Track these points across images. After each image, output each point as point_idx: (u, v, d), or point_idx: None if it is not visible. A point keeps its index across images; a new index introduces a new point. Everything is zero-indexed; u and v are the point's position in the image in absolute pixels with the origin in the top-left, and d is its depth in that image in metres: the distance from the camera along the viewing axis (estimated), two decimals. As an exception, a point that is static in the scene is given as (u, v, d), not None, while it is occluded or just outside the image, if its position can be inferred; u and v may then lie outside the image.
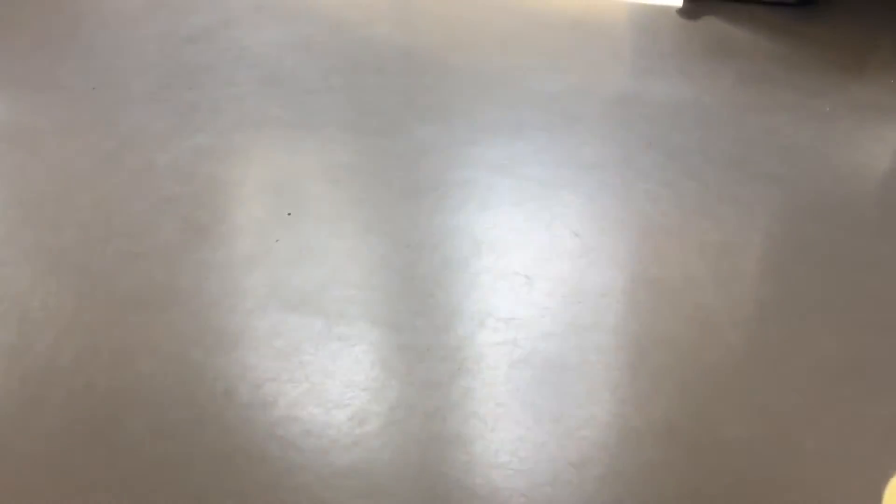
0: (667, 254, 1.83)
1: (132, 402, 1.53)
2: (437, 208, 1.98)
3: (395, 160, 2.14)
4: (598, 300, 1.72)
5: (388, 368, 1.59)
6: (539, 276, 1.78)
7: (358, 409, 1.52)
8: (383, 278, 1.79)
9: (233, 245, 1.89)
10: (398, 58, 2.60)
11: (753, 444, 1.43)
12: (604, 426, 1.48)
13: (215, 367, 1.60)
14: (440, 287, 1.76)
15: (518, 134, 2.22)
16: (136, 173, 2.12)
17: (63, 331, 1.68)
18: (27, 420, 1.51)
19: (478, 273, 1.80)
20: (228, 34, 2.73)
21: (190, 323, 1.69)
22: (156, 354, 1.62)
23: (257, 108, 2.36)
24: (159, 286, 1.78)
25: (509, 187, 2.04)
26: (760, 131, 2.21)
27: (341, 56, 2.61)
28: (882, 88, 2.37)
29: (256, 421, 1.50)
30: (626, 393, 1.53)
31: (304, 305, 1.73)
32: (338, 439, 1.47)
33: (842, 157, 2.11)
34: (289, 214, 1.97)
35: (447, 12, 2.85)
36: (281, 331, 1.67)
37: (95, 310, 1.73)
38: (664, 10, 2.80)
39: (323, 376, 1.58)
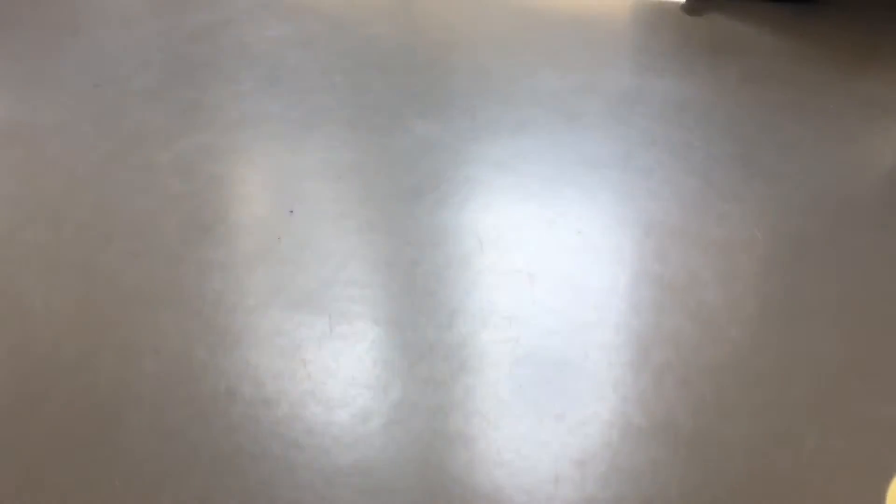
0: (669, 251, 1.83)
1: (134, 400, 1.53)
2: (439, 206, 1.98)
3: (396, 158, 2.14)
4: (600, 298, 1.72)
5: (391, 367, 1.59)
6: (541, 274, 1.78)
7: (360, 407, 1.52)
8: (385, 276, 1.79)
9: (235, 243, 1.89)
10: (400, 55, 2.60)
11: (755, 443, 1.43)
12: (606, 424, 1.48)
13: (218, 365, 1.60)
14: (442, 285, 1.76)
15: (520, 131, 2.22)
16: (138, 171, 2.12)
17: (65, 330, 1.68)
18: (29, 419, 1.51)
19: (480, 271, 1.80)
20: (230, 32, 2.73)
21: (192, 322, 1.69)
22: (158, 353, 1.62)
23: (259, 106, 2.36)
24: (161, 285, 1.78)
25: (511, 185, 2.03)
26: (763, 128, 2.20)
27: (343, 54, 2.61)
28: (885, 86, 2.36)
29: (259, 419, 1.50)
30: (628, 391, 1.53)
31: (307, 304, 1.73)
32: (340, 438, 1.47)
33: (845, 155, 2.11)
34: (291, 212, 1.97)
35: (448, 10, 2.85)
36: (283, 329, 1.67)
37: (97, 308, 1.73)
38: (667, 7, 2.79)
39: (325, 375, 1.58)
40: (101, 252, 1.87)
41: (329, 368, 1.59)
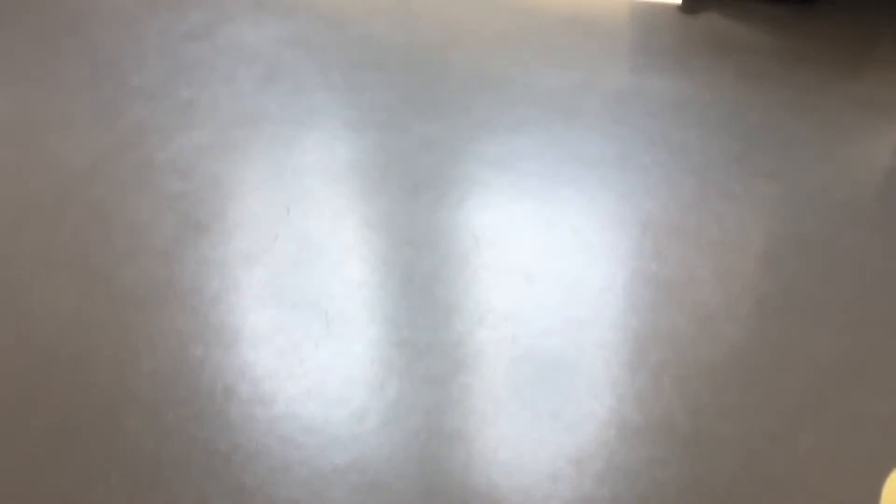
0: (666, 250, 1.83)
1: (131, 398, 1.53)
2: (437, 205, 1.98)
3: (394, 157, 2.14)
4: (597, 296, 1.72)
5: (388, 365, 1.59)
6: (538, 273, 1.78)
7: (357, 405, 1.52)
8: (382, 275, 1.79)
9: (232, 242, 1.89)
10: (397, 54, 2.60)
11: (752, 441, 1.44)
12: (603, 422, 1.48)
13: (215, 364, 1.60)
14: (439, 284, 1.76)
15: (518, 130, 2.22)
16: (135, 170, 2.12)
17: (61, 328, 1.68)
18: (26, 417, 1.51)
19: (477, 270, 1.80)
20: (227, 30, 2.72)
21: (189, 320, 1.69)
22: (155, 351, 1.62)
23: (256, 105, 2.36)
24: (159, 283, 1.78)
25: (509, 184, 2.04)
26: (760, 128, 2.20)
27: (340, 53, 2.61)
28: (882, 85, 2.36)
29: (256, 418, 1.50)
30: (625, 389, 1.53)
31: (304, 302, 1.72)
32: (337, 436, 1.47)
33: (841, 154, 2.11)
34: (288, 211, 1.97)
35: (446, 9, 2.85)
36: (280, 328, 1.67)
37: (94, 307, 1.73)
38: (665, 7, 2.80)
39: (322, 373, 1.58)
40: (98, 250, 1.87)
41: (326, 367, 1.59)
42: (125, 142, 2.22)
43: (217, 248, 1.87)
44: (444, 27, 2.75)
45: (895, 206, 1.94)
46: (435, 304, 1.72)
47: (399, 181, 2.06)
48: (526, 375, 1.56)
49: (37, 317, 1.71)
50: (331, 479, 1.40)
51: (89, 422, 1.49)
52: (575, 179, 2.04)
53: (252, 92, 2.42)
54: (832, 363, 1.57)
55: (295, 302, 1.73)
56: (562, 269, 1.79)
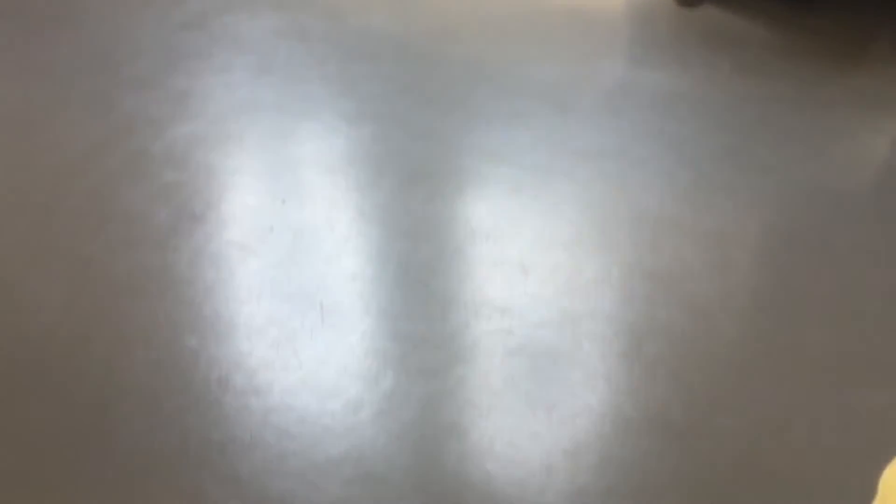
0: (662, 243, 1.83)
1: (126, 389, 1.53)
2: (432, 197, 1.97)
3: (389, 148, 2.14)
4: (592, 289, 1.72)
5: (383, 357, 1.59)
6: (534, 265, 1.78)
7: (352, 397, 1.52)
8: (378, 267, 1.79)
9: (227, 233, 1.88)
10: (393, 46, 2.59)
11: (747, 433, 1.44)
12: (598, 415, 1.48)
13: (209, 355, 1.59)
14: (435, 276, 1.76)
15: (514, 122, 2.22)
16: (130, 160, 2.11)
17: (55, 319, 1.67)
18: (19, 408, 1.50)
19: (473, 262, 1.79)
20: (223, 21, 2.71)
21: (184, 311, 1.69)
22: (150, 342, 1.62)
23: (251, 96, 2.35)
24: (153, 274, 1.77)
25: (505, 176, 2.03)
26: (756, 121, 2.20)
27: (336, 44, 2.60)
28: (879, 79, 2.36)
29: (251, 408, 1.50)
30: (620, 382, 1.53)
31: (299, 293, 1.72)
32: (332, 427, 1.47)
33: (838, 148, 2.11)
34: (283, 202, 1.96)
35: (443, 1, 2.84)
36: (275, 319, 1.67)
37: (88, 297, 1.72)
38: (661, -1, 2.79)
39: (317, 364, 1.58)
40: (92, 241, 1.86)
41: (321, 358, 1.59)
42: (119, 132, 2.21)
43: (212, 239, 1.86)
44: (439, 19, 2.74)
45: (891, 199, 1.95)
46: (430, 295, 1.71)
47: (395, 173, 2.05)
48: (521, 367, 1.56)
49: (30, 308, 1.70)
50: (325, 469, 1.39)
51: (83, 412, 1.49)
52: (571, 172, 2.04)
53: (247, 83, 2.41)
54: (827, 356, 1.57)
55: (290, 293, 1.72)
56: (558, 262, 1.79)
